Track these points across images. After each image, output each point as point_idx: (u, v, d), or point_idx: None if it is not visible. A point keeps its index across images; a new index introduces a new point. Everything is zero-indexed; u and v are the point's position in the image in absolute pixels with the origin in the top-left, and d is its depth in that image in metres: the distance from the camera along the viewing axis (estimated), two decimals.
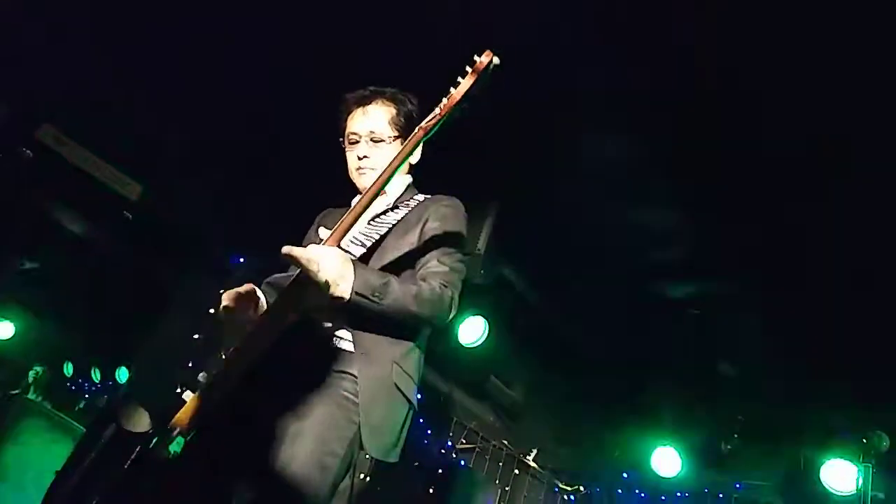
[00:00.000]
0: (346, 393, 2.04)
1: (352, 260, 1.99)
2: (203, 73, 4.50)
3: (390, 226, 2.27)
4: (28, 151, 5.25)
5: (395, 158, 2.05)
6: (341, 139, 2.44)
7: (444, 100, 2.01)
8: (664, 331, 5.70)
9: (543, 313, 5.92)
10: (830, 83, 3.44)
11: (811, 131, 3.72)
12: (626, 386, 6.07)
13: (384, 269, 2.15)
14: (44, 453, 5.29)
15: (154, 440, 1.96)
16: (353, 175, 2.42)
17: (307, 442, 1.93)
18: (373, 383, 2.05)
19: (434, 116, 2.01)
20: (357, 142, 2.38)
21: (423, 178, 2.55)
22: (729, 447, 5.67)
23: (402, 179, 2.46)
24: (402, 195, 2.42)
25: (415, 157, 2.42)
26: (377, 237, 2.24)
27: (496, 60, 1.97)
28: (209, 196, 5.64)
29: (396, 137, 2.38)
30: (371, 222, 2.31)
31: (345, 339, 2.12)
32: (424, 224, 2.27)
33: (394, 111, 2.39)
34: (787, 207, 4.27)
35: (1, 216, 5.67)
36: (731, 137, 3.95)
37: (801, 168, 3.97)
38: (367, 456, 2.04)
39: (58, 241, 5.94)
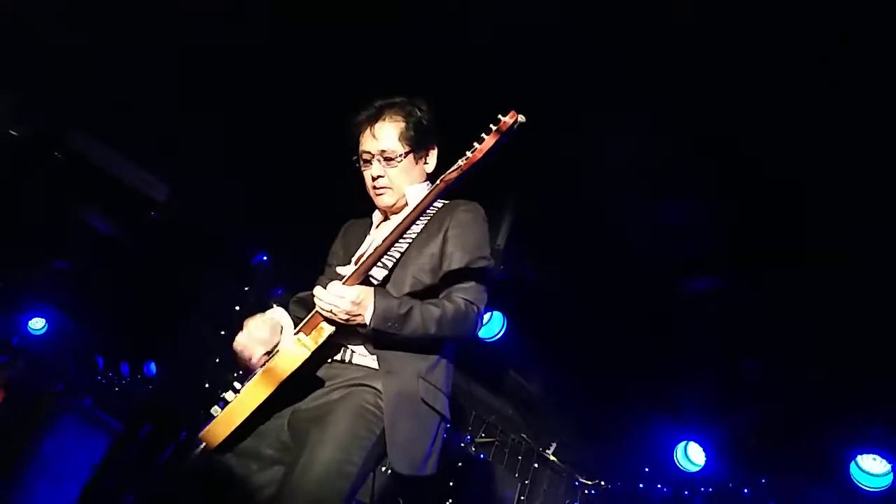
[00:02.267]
0: (367, 405, 2.06)
1: (373, 289, 2.08)
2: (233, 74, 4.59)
3: (411, 239, 2.27)
4: (58, 155, 5.41)
5: (416, 208, 2.12)
6: (355, 158, 2.43)
7: (468, 153, 2.03)
8: (686, 324, 5.63)
9: (562, 307, 5.90)
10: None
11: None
12: (647, 380, 6.01)
13: (408, 283, 2.20)
14: (80, 447, 5.47)
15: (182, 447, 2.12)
16: (370, 192, 2.43)
17: (328, 450, 1.95)
18: (397, 400, 2.07)
19: (457, 169, 2.04)
20: (370, 161, 2.38)
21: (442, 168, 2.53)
22: (754, 441, 5.58)
23: (419, 189, 2.40)
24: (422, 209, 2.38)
25: (430, 166, 2.46)
26: (398, 255, 2.24)
27: (521, 119, 1.99)
28: (234, 195, 5.74)
29: (408, 153, 2.37)
30: (397, 243, 2.28)
31: (368, 356, 2.17)
32: (445, 233, 2.28)
33: (403, 125, 2.36)
34: (814, 198, 4.20)
35: (33, 218, 5.86)
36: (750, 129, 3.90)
37: (826, 159, 3.89)
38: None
39: (87, 242, 6.12)
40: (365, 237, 2.47)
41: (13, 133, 4.98)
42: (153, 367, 6.52)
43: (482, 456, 5.93)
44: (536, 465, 5.79)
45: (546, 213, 5.21)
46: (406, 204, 2.39)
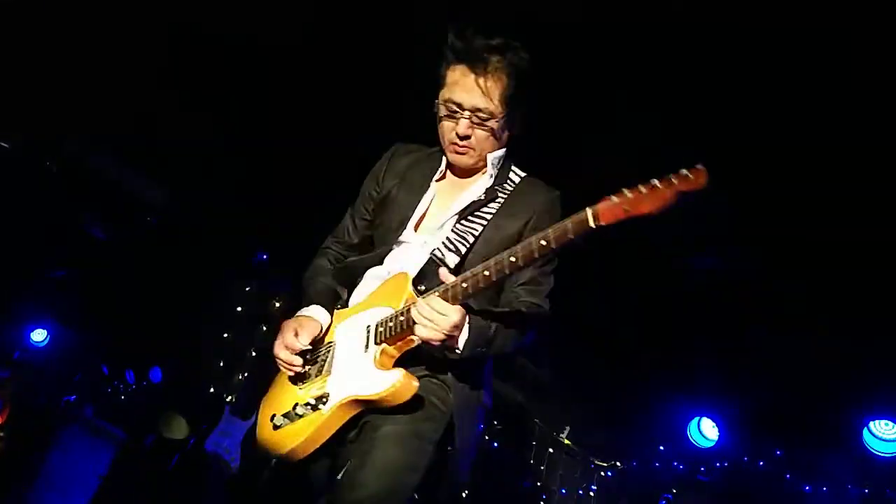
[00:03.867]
0: (436, 402, 1.98)
1: (467, 313, 1.89)
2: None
3: (485, 223, 2.06)
4: (51, 164, 5.32)
5: (495, 188, 2.08)
6: (437, 101, 2.09)
7: (628, 193, 1.64)
8: (693, 302, 5.61)
9: (568, 290, 5.87)
10: None
11: None
12: (657, 358, 6.00)
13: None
14: (87, 459, 5.41)
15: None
16: (446, 145, 2.11)
17: (398, 448, 1.90)
18: (464, 402, 2.01)
19: (616, 207, 1.65)
20: (456, 113, 2.04)
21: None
22: (767, 414, 5.58)
23: (498, 155, 2.16)
24: (497, 176, 2.14)
25: (516, 131, 2.16)
26: (472, 239, 2.04)
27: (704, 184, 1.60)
28: (231, 195, 5.67)
29: (504, 116, 2.06)
30: (466, 219, 2.07)
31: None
32: (527, 224, 2.06)
33: (506, 82, 2.02)
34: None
35: (29, 226, 5.77)
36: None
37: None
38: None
39: (85, 249, 6.04)
40: (425, 187, 2.15)
41: (4, 145, 4.89)
42: (159, 372, 6.46)
43: (495, 445, 5.91)
44: (551, 451, 5.78)
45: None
46: (484, 168, 2.14)
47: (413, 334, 1.88)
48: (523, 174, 2.19)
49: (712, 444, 5.77)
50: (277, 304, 5.92)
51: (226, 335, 5.87)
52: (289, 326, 2.12)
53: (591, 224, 1.66)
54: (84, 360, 6.41)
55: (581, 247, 1.70)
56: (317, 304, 2.15)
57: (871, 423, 5.17)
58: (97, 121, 5.15)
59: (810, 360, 5.45)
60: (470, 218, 2.07)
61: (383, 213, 2.19)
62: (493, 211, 2.07)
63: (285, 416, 2.02)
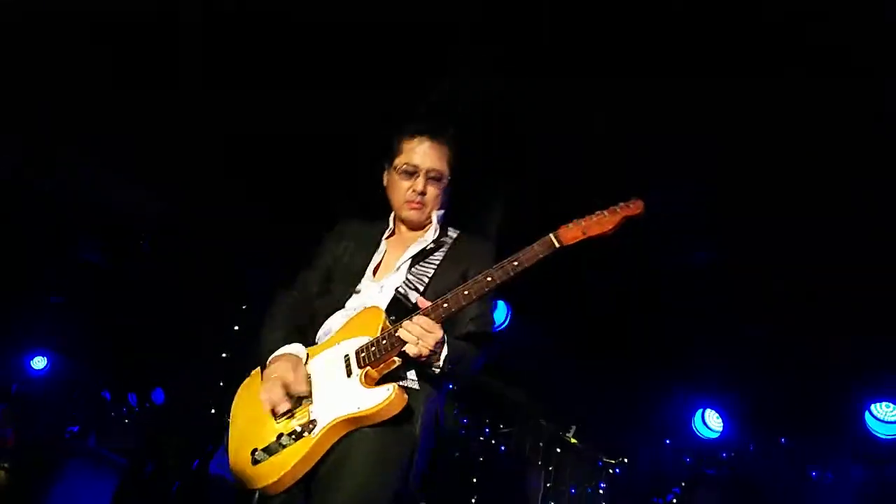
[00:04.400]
0: (404, 424, 2.15)
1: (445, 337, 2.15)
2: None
3: (435, 266, 2.40)
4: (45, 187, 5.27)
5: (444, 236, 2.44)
6: (389, 161, 2.50)
7: (583, 221, 2.09)
8: (691, 296, 5.63)
9: (565, 289, 5.88)
10: None
11: None
12: (658, 353, 6.01)
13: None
14: (90, 488, 5.39)
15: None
16: (401, 204, 2.48)
17: (374, 470, 2.05)
18: (428, 422, 2.24)
19: (576, 229, 2.09)
20: (414, 174, 2.43)
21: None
22: (770, 401, 5.61)
23: (440, 213, 2.54)
24: (440, 231, 2.52)
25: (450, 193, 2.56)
26: (427, 280, 2.37)
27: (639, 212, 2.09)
28: (225, 215, 5.64)
29: (450, 179, 2.49)
30: (419, 264, 2.41)
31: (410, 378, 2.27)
32: (468, 269, 2.37)
33: (451, 152, 2.50)
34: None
35: (23, 255, 5.74)
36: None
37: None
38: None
39: (79, 275, 6.01)
40: (376, 244, 2.50)
41: None
42: (161, 393, 6.44)
43: (503, 448, 5.92)
44: (559, 451, 5.79)
45: (539, 194, 5.16)
46: (429, 224, 2.49)
47: (397, 355, 2.11)
48: (458, 231, 2.58)
49: (717, 435, 5.80)
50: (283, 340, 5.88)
51: (224, 355, 5.84)
52: (283, 368, 2.21)
53: (556, 245, 2.08)
54: (85, 387, 6.39)
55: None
56: (293, 342, 2.34)
57: (873, 406, 5.20)
58: (86, 138, 5.11)
59: (810, 346, 5.49)
60: (422, 262, 2.41)
61: (339, 268, 2.49)
62: (440, 258, 2.43)
63: (265, 450, 2.08)
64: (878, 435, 5.12)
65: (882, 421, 5.16)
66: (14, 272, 5.60)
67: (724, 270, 5.24)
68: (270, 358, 2.26)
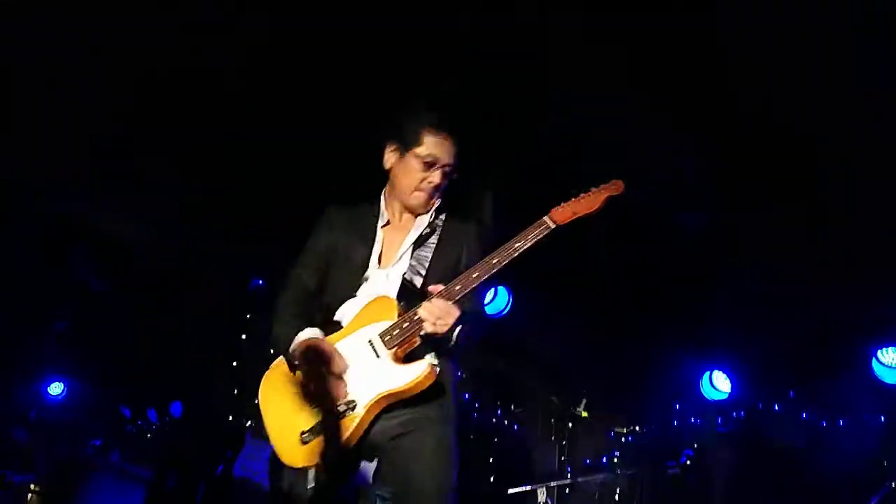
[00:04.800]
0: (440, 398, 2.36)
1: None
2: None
3: (432, 249, 2.52)
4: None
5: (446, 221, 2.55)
6: (403, 145, 2.51)
7: (573, 200, 2.30)
8: (691, 257, 5.65)
9: (565, 265, 5.91)
10: None
11: None
12: (661, 319, 6.05)
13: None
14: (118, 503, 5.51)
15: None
16: (410, 191, 2.52)
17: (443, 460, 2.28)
18: (456, 402, 2.44)
19: (565, 211, 2.29)
20: (433, 166, 2.48)
21: None
22: (775, 357, 5.64)
23: (439, 200, 2.61)
24: (435, 217, 2.60)
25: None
26: (427, 264, 2.49)
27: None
28: (221, 223, 5.69)
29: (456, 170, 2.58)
30: (418, 249, 2.53)
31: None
32: (463, 250, 2.53)
33: (460, 146, 2.55)
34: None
35: (27, 285, 5.83)
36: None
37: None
38: None
39: (83, 298, 6.11)
40: (373, 233, 2.56)
41: None
42: (179, 406, 6.56)
43: (516, 427, 6.00)
44: (571, 425, 5.87)
45: (529, 173, 5.19)
46: (429, 210, 2.58)
47: (418, 336, 2.29)
48: (444, 212, 2.65)
49: (726, 395, 5.86)
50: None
51: (234, 363, 5.94)
52: (321, 350, 2.32)
53: (551, 225, 2.28)
54: (104, 407, 6.51)
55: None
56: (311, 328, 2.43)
57: (879, 352, 5.23)
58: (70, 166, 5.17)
59: (812, 298, 5.51)
60: (421, 248, 2.52)
61: (339, 260, 2.55)
62: (436, 241, 2.54)
63: (311, 431, 2.24)
64: (885, 381, 5.17)
65: (888, 367, 5.20)
66: (16, 301, 5.69)
67: (722, 230, 5.24)
68: (297, 343, 2.35)
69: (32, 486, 5.33)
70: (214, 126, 4.73)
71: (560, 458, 5.79)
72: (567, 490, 5.47)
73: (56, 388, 6.88)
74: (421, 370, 2.25)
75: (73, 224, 5.74)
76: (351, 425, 2.24)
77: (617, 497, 5.61)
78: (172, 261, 5.84)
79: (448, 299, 2.27)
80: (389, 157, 2.56)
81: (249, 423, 5.85)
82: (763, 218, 5.24)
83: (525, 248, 2.25)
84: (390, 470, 2.31)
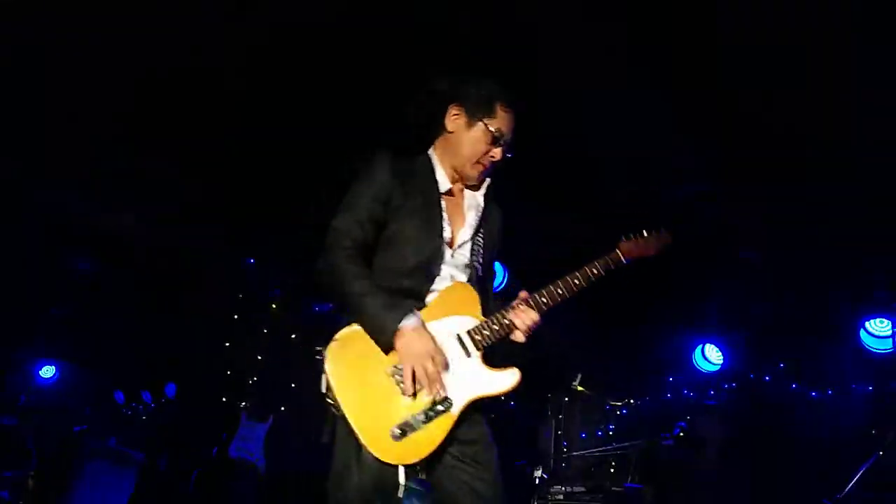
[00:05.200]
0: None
1: None
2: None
3: (484, 237, 2.47)
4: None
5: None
6: (473, 112, 2.40)
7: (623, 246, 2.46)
8: (682, 232, 5.67)
9: (555, 240, 5.92)
10: None
11: None
12: (654, 294, 6.08)
13: (484, 274, 2.47)
14: (114, 487, 5.50)
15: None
16: (471, 161, 2.40)
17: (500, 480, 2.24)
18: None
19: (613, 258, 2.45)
20: (498, 141, 2.39)
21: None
22: (764, 329, 5.72)
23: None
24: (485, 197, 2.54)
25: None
26: (481, 250, 2.44)
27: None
28: (212, 206, 5.62)
29: None
30: (476, 234, 2.45)
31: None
32: (496, 239, 2.52)
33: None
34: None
35: (22, 272, 5.75)
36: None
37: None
38: None
39: (77, 283, 6.04)
40: (437, 201, 2.39)
41: None
42: (173, 387, 6.53)
43: (512, 404, 6.05)
44: (567, 399, 5.92)
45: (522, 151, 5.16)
46: (482, 186, 2.50)
47: (503, 340, 2.29)
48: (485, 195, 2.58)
49: (718, 367, 5.95)
50: (274, 307, 5.95)
51: (227, 344, 5.91)
52: (427, 338, 2.17)
53: (624, 262, 2.45)
54: (96, 390, 6.47)
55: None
56: (397, 307, 2.20)
57: (867, 323, 5.33)
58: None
59: (802, 271, 5.57)
60: (478, 233, 2.45)
61: (399, 217, 2.33)
62: (485, 227, 2.47)
63: (406, 425, 2.09)
64: (873, 350, 5.28)
65: (876, 336, 5.30)
66: (11, 286, 5.61)
67: (713, 205, 5.28)
68: (409, 328, 2.13)
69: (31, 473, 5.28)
70: (214, 126, 4.68)
71: (556, 432, 5.85)
72: (563, 464, 5.54)
73: (48, 372, 6.84)
74: (515, 379, 2.24)
75: (71, 216, 5.62)
76: (445, 425, 2.12)
77: (612, 469, 5.71)
78: (169, 252, 5.76)
79: (536, 308, 2.29)
80: (454, 120, 2.41)
81: (244, 404, 5.84)
82: (753, 193, 5.27)
83: (599, 275, 2.39)
84: (448, 475, 2.17)
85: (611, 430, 6.05)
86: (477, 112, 2.38)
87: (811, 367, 5.68)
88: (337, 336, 2.18)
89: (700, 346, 6.10)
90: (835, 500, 4.18)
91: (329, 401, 2.12)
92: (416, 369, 2.10)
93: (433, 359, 2.11)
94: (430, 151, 2.47)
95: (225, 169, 5.21)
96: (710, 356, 6.04)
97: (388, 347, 2.13)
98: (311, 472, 5.22)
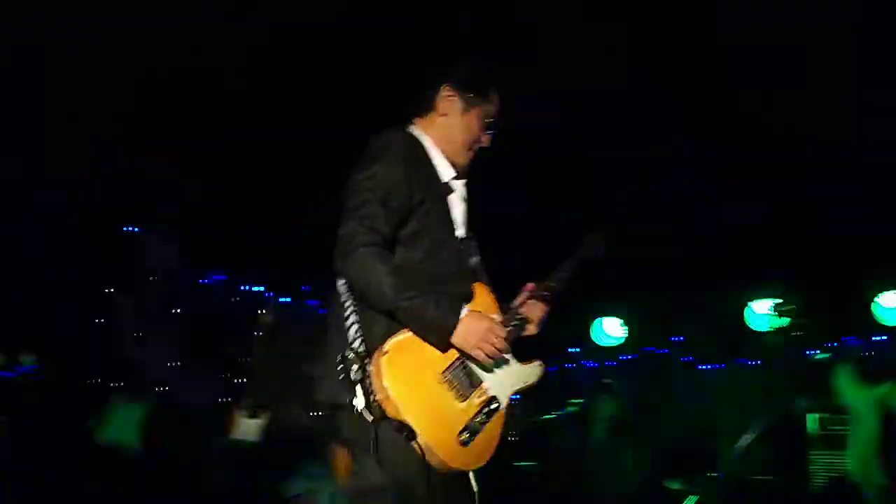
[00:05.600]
0: None
1: None
2: None
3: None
4: None
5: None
6: (469, 96, 2.20)
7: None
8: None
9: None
10: None
11: None
12: (553, 266, 6.13)
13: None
14: None
15: None
16: (464, 147, 2.22)
17: None
18: None
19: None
20: (489, 128, 2.25)
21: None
22: (662, 304, 5.99)
23: None
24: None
25: None
26: (473, 234, 2.28)
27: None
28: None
29: None
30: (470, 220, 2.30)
31: None
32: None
33: None
34: None
35: None
36: None
37: None
38: None
39: None
40: (448, 187, 2.19)
41: None
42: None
43: None
44: None
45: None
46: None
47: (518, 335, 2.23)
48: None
49: (619, 340, 6.17)
50: (264, 312, 5.69)
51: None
52: (484, 316, 2.03)
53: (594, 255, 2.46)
54: None
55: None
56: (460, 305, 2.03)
57: (752, 302, 5.69)
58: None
59: (691, 250, 5.85)
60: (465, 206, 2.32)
61: (420, 212, 2.09)
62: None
63: (468, 430, 1.97)
64: (757, 329, 5.66)
65: (761, 315, 5.63)
66: None
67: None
68: (472, 320, 1.95)
69: None
70: (214, 126, 4.57)
71: None
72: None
73: None
74: (542, 369, 2.22)
75: None
76: (499, 423, 2.07)
77: (511, 439, 5.79)
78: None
79: (543, 301, 2.24)
80: (449, 103, 2.19)
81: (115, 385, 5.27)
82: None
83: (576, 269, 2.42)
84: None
85: (515, 400, 6.07)
86: (475, 96, 2.21)
87: (702, 340, 6.06)
88: (386, 348, 1.91)
89: (599, 320, 6.29)
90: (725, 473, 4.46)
91: (371, 415, 1.87)
92: (462, 364, 1.98)
93: (497, 335, 1.97)
94: (417, 132, 2.19)
95: (225, 169, 4.97)
96: (609, 330, 6.25)
97: (446, 345, 1.96)
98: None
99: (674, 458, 5.40)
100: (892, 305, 5.21)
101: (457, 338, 1.95)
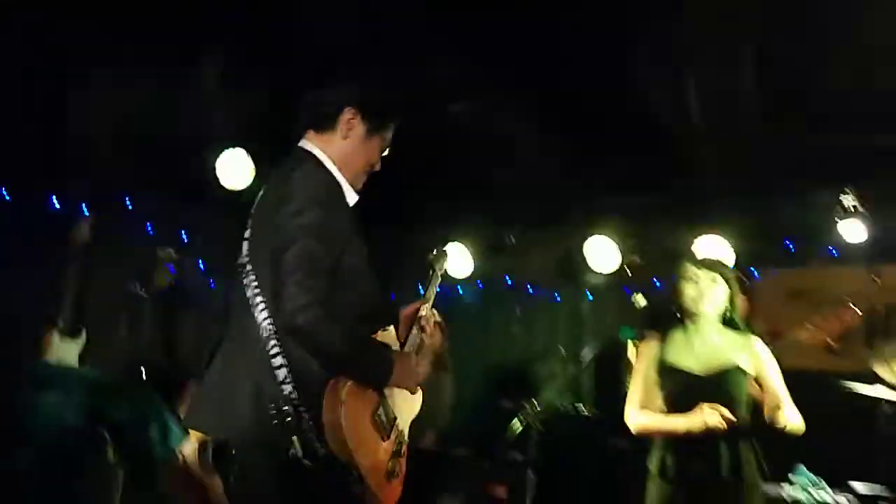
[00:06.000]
0: None
1: None
2: None
3: None
4: None
5: None
6: (374, 121, 2.23)
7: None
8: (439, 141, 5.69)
9: None
10: None
11: None
12: (401, 198, 6.08)
13: None
14: None
15: None
16: (361, 171, 2.27)
17: None
18: None
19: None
20: (382, 153, 2.30)
21: None
22: (510, 240, 6.22)
23: None
24: None
25: None
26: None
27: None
28: None
29: None
30: None
31: None
32: None
33: None
34: None
35: None
36: None
37: None
38: None
39: None
40: (349, 214, 2.20)
41: None
42: None
43: None
44: None
45: None
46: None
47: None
48: None
49: (465, 275, 6.38)
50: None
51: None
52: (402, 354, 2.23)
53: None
54: None
55: None
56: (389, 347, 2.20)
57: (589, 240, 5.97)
58: None
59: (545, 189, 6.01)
60: None
61: (350, 255, 2.16)
62: None
63: (394, 464, 2.12)
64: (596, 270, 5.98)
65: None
66: None
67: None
68: (398, 355, 2.14)
69: None
70: None
71: None
72: None
73: None
74: (420, 396, 2.26)
75: None
76: (405, 454, 2.19)
77: None
78: None
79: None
80: (349, 127, 2.20)
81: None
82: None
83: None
84: None
85: None
86: (377, 124, 2.24)
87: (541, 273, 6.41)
88: (343, 397, 1.92)
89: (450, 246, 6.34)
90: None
91: (320, 451, 1.91)
92: (385, 398, 2.09)
93: (421, 367, 2.19)
94: (316, 150, 2.18)
95: None
96: (458, 259, 6.36)
97: (385, 384, 2.07)
98: None
99: (508, 380, 5.84)
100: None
101: (394, 380, 2.06)
